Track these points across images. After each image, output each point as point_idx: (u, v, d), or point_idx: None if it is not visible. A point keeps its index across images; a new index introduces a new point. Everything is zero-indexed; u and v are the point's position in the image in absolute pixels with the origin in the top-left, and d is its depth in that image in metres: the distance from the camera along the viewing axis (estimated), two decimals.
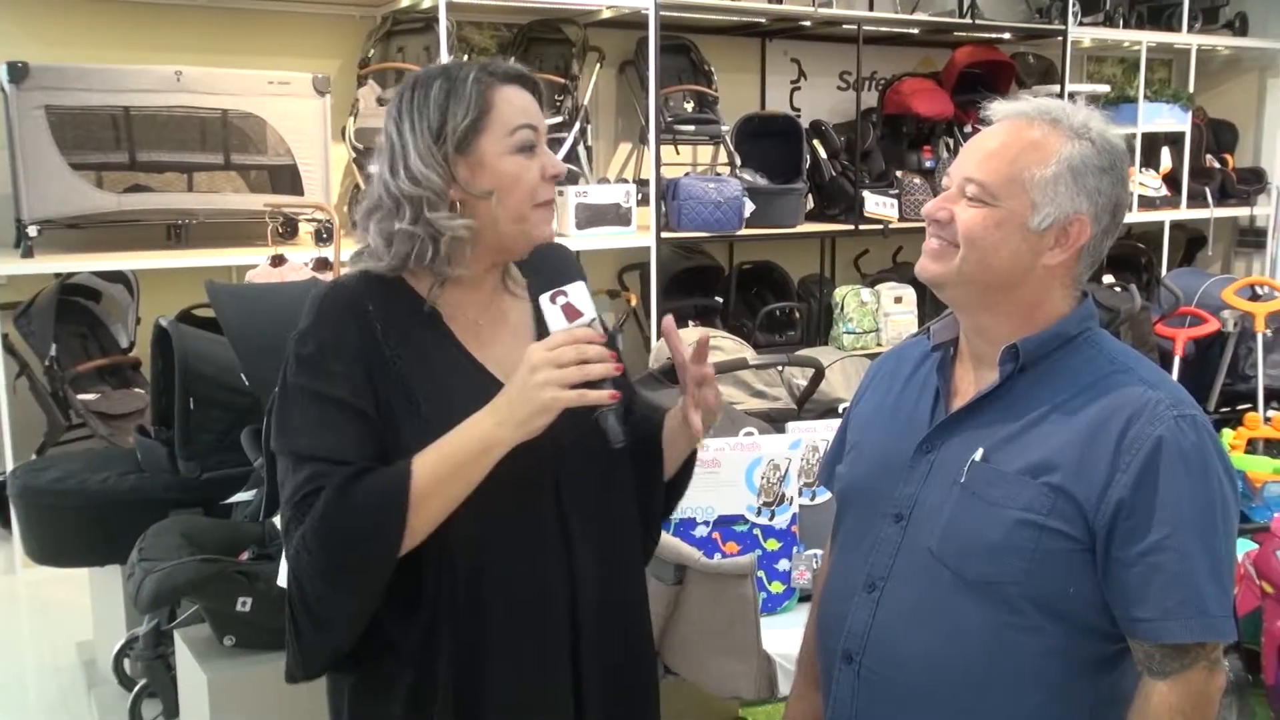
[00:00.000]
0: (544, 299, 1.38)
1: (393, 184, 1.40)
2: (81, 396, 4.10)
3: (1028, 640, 1.35)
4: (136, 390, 4.22)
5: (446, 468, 1.32)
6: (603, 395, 1.33)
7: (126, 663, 3.17)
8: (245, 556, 2.63)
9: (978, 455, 1.40)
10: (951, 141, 5.97)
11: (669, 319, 1.50)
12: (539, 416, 1.31)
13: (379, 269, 1.42)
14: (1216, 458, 1.33)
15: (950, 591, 1.38)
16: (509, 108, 1.41)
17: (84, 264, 4.21)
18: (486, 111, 1.39)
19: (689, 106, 5.42)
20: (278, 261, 3.91)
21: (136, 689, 2.98)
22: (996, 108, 1.44)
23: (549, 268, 1.44)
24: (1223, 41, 7.08)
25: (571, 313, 1.36)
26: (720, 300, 5.52)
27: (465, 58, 4.99)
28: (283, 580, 2.04)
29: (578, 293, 1.38)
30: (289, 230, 4.54)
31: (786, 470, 2.35)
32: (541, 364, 1.31)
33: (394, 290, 1.42)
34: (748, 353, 3.59)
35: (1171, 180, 6.85)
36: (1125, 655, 1.37)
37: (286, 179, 4.45)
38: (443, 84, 1.40)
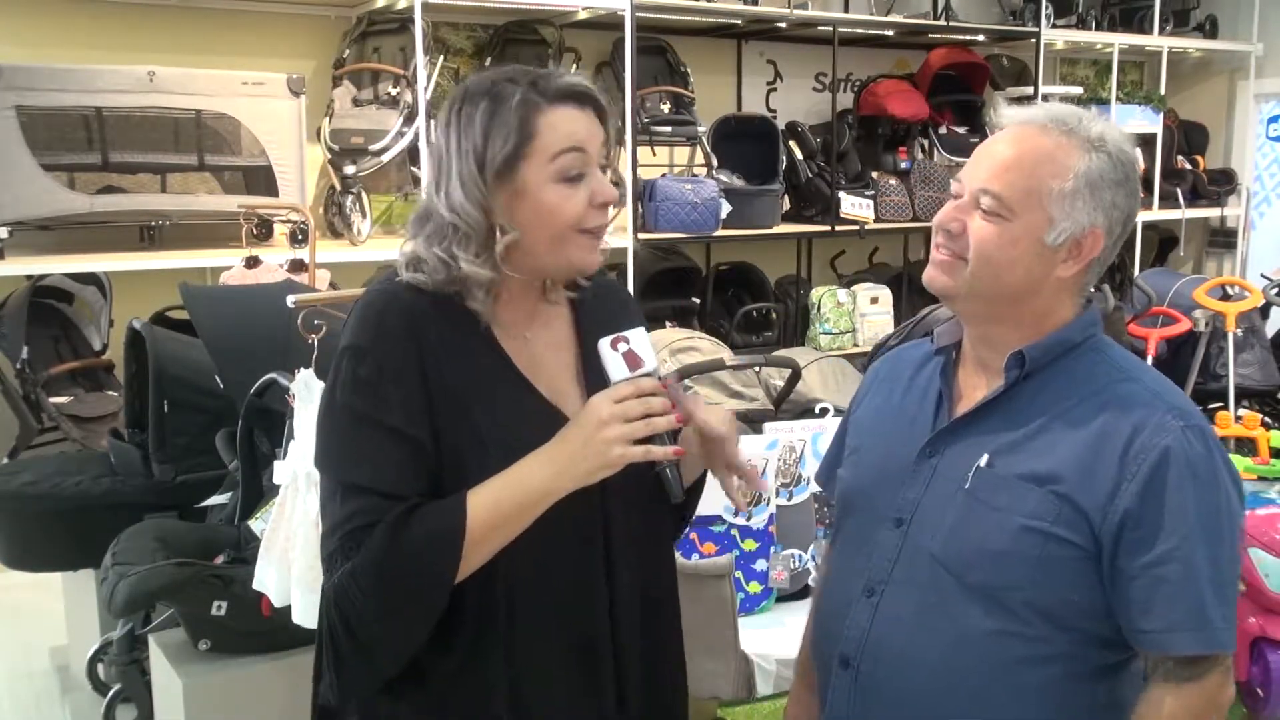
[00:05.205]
0: (604, 344, 1.33)
1: (437, 201, 1.34)
2: (54, 400, 4.05)
3: (1029, 647, 1.34)
4: (110, 393, 4.18)
5: (502, 513, 1.29)
6: (667, 451, 1.30)
7: (101, 668, 3.15)
8: (220, 560, 2.61)
9: (983, 461, 1.38)
10: (926, 143, 5.99)
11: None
12: (603, 471, 1.29)
13: (426, 284, 1.35)
14: (1224, 468, 1.33)
15: (951, 597, 1.36)
16: (553, 134, 1.32)
17: (56, 266, 4.16)
18: (530, 138, 1.32)
19: (665, 108, 5.42)
20: (252, 263, 3.89)
21: (111, 694, 2.96)
22: (1006, 113, 1.41)
23: (606, 308, 1.41)
24: (1193, 44, 7.13)
25: (633, 360, 1.32)
26: (697, 301, 5.52)
27: (441, 59, 4.97)
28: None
29: (639, 339, 1.33)
30: (264, 232, 4.51)
31: (763, 471, 2.36)
32: (610, 419, 1.27)
33: (446, 305, 1.35)
34: (725, 353, 3.59)
35: (1144, 181, 6.91)
36: (1126, 664, 1.36)
37: (261, 180, 4.41)
38: (488, 104, 1.32)
